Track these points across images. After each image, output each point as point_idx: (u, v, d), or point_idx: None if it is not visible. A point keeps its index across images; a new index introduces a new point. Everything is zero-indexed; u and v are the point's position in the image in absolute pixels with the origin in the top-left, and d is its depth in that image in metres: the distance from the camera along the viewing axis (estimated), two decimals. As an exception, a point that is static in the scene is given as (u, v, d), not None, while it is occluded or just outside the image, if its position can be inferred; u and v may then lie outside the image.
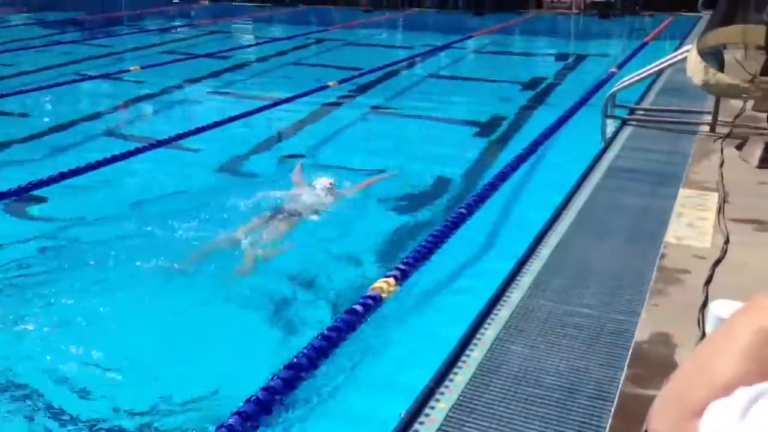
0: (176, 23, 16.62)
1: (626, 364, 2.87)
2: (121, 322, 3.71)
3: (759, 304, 0.57)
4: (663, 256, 3.87)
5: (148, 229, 4.76)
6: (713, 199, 4.64)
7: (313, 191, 5.28)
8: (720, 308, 2.15)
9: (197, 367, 3.38)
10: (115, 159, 5.90)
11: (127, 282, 4.11)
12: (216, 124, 7.05)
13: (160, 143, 6.48)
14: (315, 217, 5.04)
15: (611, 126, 6.60)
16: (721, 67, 5.91)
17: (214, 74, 10.48)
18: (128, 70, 10.12)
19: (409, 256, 4.09)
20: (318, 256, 4.52)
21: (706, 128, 6.24)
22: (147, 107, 8.93)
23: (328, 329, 3.34)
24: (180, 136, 6.67)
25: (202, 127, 6.92)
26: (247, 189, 5.50)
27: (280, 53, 12.33)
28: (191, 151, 6.63)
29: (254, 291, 4.08)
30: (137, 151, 6.19)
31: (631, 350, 2.97)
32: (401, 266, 3.95)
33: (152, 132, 7.12)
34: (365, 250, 4.60)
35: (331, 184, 5.27)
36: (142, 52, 12.17)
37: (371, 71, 10.15)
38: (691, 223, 4.28)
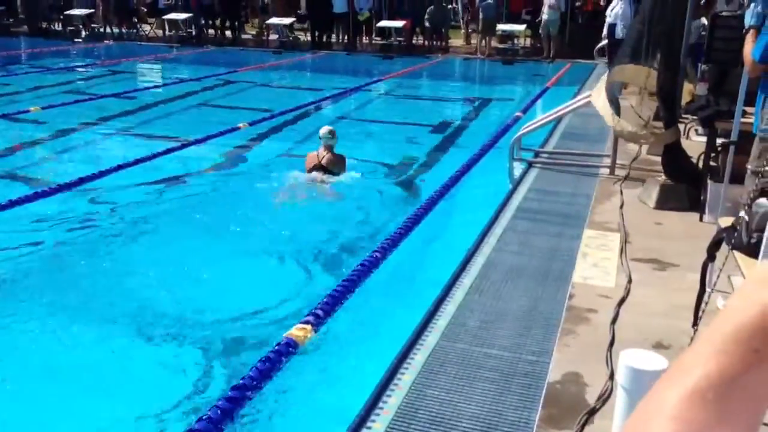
0: (79, 63, 16.12)
1: (540, 405, 2.92)
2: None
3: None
4: (571, 296, 3.99)
5: (51, 270, 4.52)
6: (616, 239, 4.85)
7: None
8: (629, 358, 2.23)
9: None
10: (11, 204, 5.61)
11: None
12: (120, 167, 6.83)
13: (62, 187, 6.20)
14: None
15: (518, 168, 6.83)
16: (617, 113, 6.24)
17: (120, 115, 10.19)
18: (27, 111, 9.71)
19: (324, 301, 4.05)
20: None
21: (606, 171, 6.54)
22: (46, 149, 8.56)
23: (242, 378, 3.24)
24: (82, 180, 6.42)
25: (106, 170, 6.69)
26: (150, 234, 5.33)
27: (189, 94, 12.15)
28: (93, 194, 6.37)
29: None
30: (36, 196, 5.91)
31: (544, 391, 3.03)
32: (316, 311, 3.90)
33: (53, 175, 6.81)
34: (278, 296, 4.52)
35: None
36: (42, 92, 11.72)
37: (282, 113, 10.13)
38: (596, 264, 4.45)
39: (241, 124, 9.05)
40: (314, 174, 6.57)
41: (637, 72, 5.77)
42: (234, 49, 18.97)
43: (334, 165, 6.63)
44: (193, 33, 20.56)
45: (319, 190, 6.46)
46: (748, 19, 3.86)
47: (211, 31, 20.64)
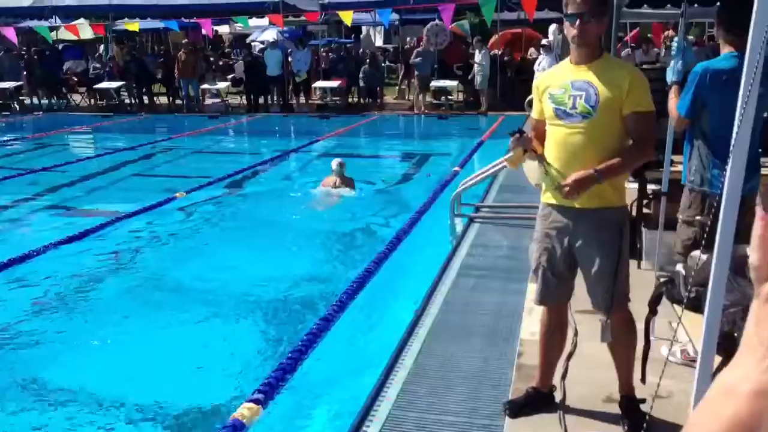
0: (7, 137, 15.70)
1: (497, 473, 2.87)
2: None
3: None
4: (520, 354, 3.98)
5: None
6: (559, 291, 4.88)
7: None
8: None
9: None
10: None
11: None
12: (53, 245, 6.60)
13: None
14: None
15: (459, 224, 6.88)
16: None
17: (51, 190, 9.91)
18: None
19: (271, 376, 3.93)
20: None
21: (545, 222, 6.64)
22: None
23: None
24: (12, 262, 6.17)
25: (37, 250, 6.46)
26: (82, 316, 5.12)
27: (124, 164, 11.94)
28: (24, 276, 6.11)
29: None
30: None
31: (500, 458, 2.98)
32: (262, 388, 3.79)
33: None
34: (228, 363, 4.37)
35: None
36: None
37: (220, 179, 10.03)
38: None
39: (178, 193, 8.91)
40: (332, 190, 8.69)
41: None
42: (168, 116, 18.83)
43: (347, 184, 8.76)
44: (126, 101, 20.37)
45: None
46: (670, 75, 4.02)
47: (146, 99, 20.46)
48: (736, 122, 1.79)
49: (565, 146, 2.99)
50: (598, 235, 3.00)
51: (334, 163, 8.83)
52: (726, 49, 3.56)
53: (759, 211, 0.61)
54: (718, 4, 4.19)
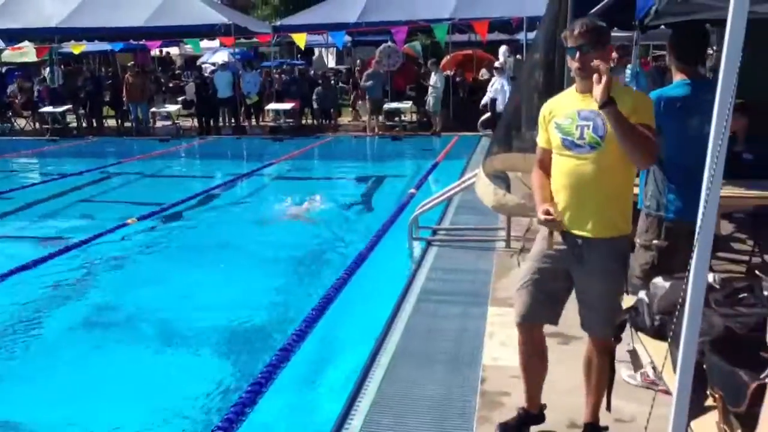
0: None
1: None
2: None
3: None
4: (483, 380, 3.97)
5: None
6: (519, 315, 4.89)
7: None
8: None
9: None
10: None
11: None
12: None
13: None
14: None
15: (418, 248, 6.88)
16: (507, 187, 6.44)
17: (-5, 218, 9.58)
18: None
19: (230, 411, 3.84)
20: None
21: (503, 244, 6.70)
22: None
23: None
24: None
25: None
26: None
27: (72, 189, 11.62)
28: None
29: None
30: None
31: (468, 489, 2.94)
32: (222, 424, 3.69)
33: None
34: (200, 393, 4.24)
35: None
36: None
37: (173, 205, 9.85)
38: (504, 342, 4.46)
39: (129, 220, 8.71)
40: None
41: (516, 159, 6.03)
42: (117, 139, 18.48)
43: None
44: (73, 125, 19.91)
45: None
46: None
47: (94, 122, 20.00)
48: (709, 155, 1.81)
49: (574, 176, 2.98)
50: (606, 264, 2.99)
51: None
52: (678, 77, 3.65)
53: None
54: (671, 31, 4.29)
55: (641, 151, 2.86)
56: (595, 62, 2.83)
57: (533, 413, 3.36)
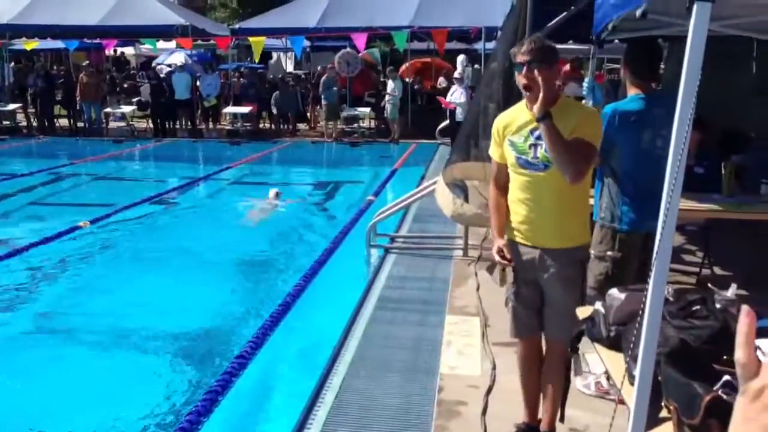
0: None
1: None
2: None
3: None
4: (441, 389, 3.98)
5: None
6: (476, 324, 4.94)
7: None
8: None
9: None
10: None
11: None
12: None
13: None
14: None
15: (376, 255, 6.88)
16: (466, 197, 6.49)
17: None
18: None
19: (184, 420, 3.77)
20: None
21: (460, 252, 6.74)
22: None
23: None
24: None
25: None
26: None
27: (21, 191, 11.30)
28: None
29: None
30: None
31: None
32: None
33: None
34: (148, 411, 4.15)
35: None
36: None
37: (127, 207, 9.65)
38: (461, 351, 4.49)
39: (81, 222, 8.51)
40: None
41: (475, 168, 6.08)
42: (69, 140, 18.04)
43: None
44: (23, 124, 19.39)
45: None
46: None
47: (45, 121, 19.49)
48: (669, 170, 1.85)
49: (530, 192, 3.03)
50: (564, 272, 3.05)
51: (271, 193, 10.27)
52: (633, 91, 3.73)
53: (744, 308, 0.62)
54: (625, 45, 4.39)
55: (570, 169, 2.89)
56: (536, 75, 2.86)
57: (534, 426, 3.37)
